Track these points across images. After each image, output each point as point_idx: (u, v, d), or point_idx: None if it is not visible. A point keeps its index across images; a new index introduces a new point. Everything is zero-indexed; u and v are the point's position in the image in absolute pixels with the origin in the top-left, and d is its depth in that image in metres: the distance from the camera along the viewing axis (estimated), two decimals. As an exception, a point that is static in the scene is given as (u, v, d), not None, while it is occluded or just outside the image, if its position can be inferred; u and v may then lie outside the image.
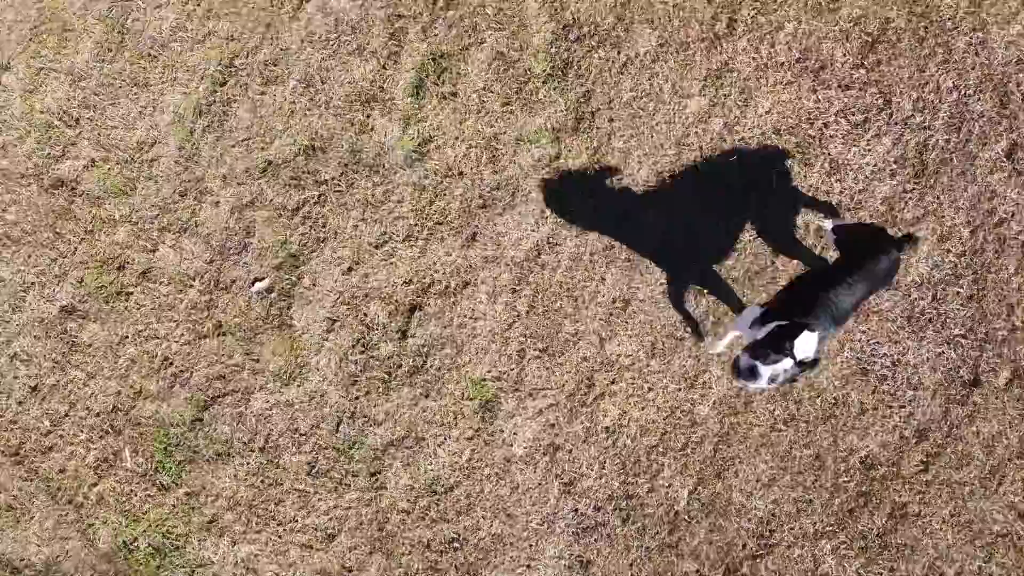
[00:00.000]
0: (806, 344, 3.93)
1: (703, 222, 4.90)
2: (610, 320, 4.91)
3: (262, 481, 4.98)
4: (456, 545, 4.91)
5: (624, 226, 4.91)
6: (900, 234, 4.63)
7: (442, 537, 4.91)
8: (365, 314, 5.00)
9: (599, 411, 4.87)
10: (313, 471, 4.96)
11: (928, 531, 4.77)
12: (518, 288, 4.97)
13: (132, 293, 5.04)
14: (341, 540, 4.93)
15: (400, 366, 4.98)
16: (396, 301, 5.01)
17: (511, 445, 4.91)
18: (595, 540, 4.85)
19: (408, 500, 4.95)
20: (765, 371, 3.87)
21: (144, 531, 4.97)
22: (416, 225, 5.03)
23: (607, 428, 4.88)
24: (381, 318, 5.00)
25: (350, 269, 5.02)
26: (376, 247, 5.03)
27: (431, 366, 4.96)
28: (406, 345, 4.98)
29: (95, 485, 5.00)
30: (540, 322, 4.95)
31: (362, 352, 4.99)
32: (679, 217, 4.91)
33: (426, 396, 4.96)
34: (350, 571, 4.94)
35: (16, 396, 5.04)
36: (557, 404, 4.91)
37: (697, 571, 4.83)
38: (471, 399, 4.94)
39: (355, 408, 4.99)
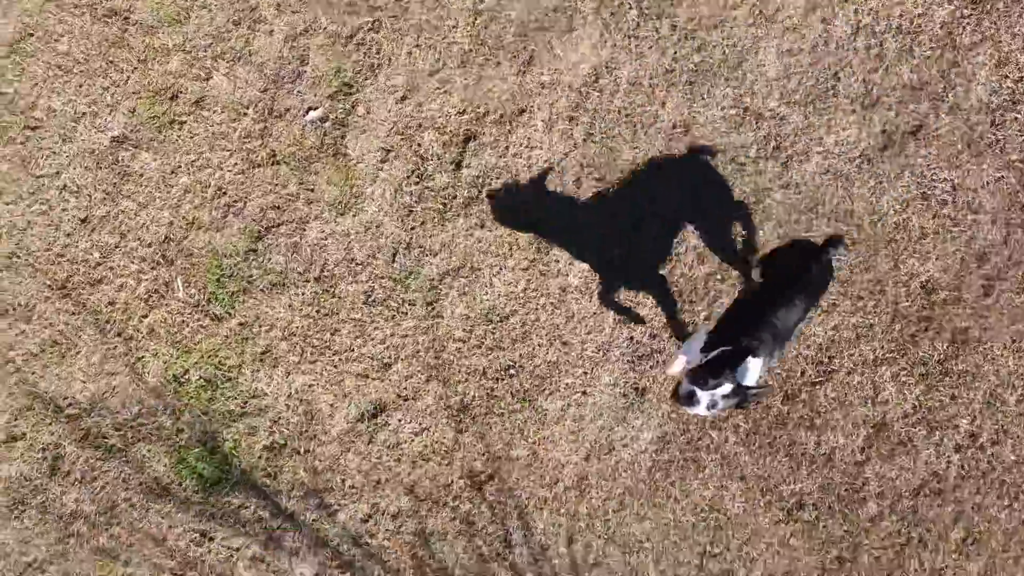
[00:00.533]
0: (749, 370, 3.89)
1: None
2: (669, 146, 4.88)
3: (317, 311, 4.95)
4: (512, 372, 4.89)
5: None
6: (824, 239, 4.45)
7: (498, 365, 4.88)
8: (419, 144, 4.91)
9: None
10: (369, 300, 4.91)
11: (989, 357, 4.73)
12: (575, 115, 4.91)
13: (185, 122, 4.96)
14: (397, 369, 4.91)
15: (455, 197, 4.91)
16: (450, 131, 4.92)
17: (567, 275, 4.89)
18: (650, 368, 4.83)
19: (464, 329, 4.92)
20: (704, 397, 3.80)
21: (196, 363, 4.94)
22: (471, 51, 4.93)
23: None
24: (435, 148, 4.91)
25: (404, 97, 4.93)
26: (430, 74, 4.93)
27: (486, 196, 4.93)
28: (461, 176, 4.91)
29: (145, 317, 4.96)
30: (597, 150, 4.94)
31: (417, 182, 4.92)
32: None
33: (481, 226, 4.91)
34: (406, 399, 4.92)
35: (65, 228, 4.97)
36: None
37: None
38: (527, 230, 4.93)
39: (410, 238, 4.92)
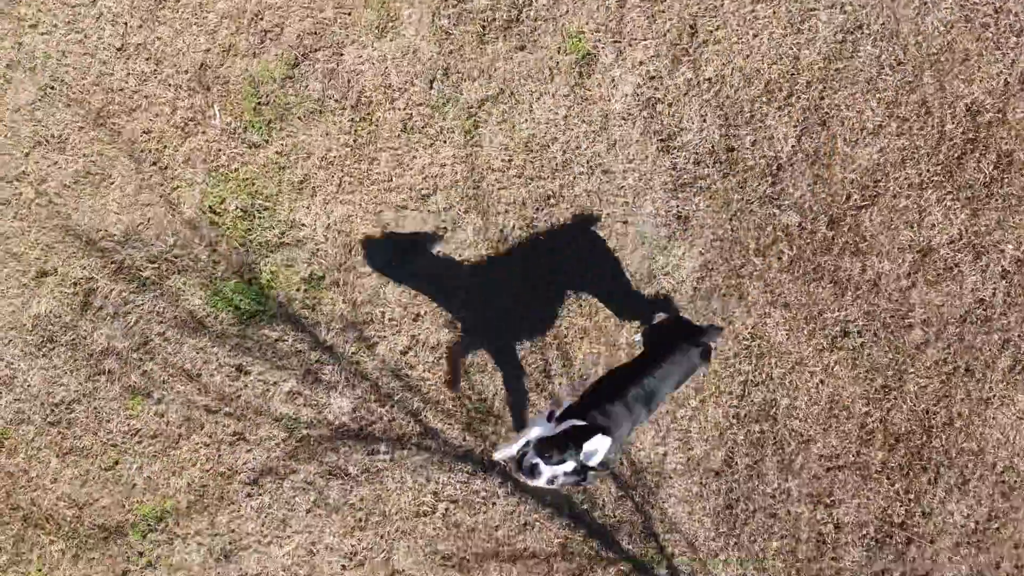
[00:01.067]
0: (597, 448, 3.79)
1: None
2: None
3: (355, 140, 4.85)
4: (552, 202, 4.83)
5: None
6: (705, 324, 4.45)
7: (537, 195, 4.82)
8: (458, -34, 4.88)
9: (702, 60, 4.74)
10: (407, 128, 4.85)
11: (1036, 179, 4.68)
12: (617, -64, 4.82)
13: (164, 10, 4.93)
14: (436, 199, 4.81)
15: (494, 19, 4.83)
16: None
17: (609, 100, 4.79)
18: (693, 195, 4.73)
19: (503, 159, 4.81)
20: (546, 471, 3.70)
21: (232, 192, 4.85)
22: None
23: (709, 79, 4.73)
24: (475, -30, 4.87)
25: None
26: None
27: (526, 17, 4.81)
28: None
29: (181, 145, 4.87)
30: None
31: (455, 4, 4.83)
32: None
33: (521, 49, 4.79)
34: (445, 231, 4.79)
35: (100, 57, 4.86)
36: (658, 54, 4.78)
37: (799, 224, 4.74)
38: (568, 53, 4.80)
39: (448, 64, 4.82)
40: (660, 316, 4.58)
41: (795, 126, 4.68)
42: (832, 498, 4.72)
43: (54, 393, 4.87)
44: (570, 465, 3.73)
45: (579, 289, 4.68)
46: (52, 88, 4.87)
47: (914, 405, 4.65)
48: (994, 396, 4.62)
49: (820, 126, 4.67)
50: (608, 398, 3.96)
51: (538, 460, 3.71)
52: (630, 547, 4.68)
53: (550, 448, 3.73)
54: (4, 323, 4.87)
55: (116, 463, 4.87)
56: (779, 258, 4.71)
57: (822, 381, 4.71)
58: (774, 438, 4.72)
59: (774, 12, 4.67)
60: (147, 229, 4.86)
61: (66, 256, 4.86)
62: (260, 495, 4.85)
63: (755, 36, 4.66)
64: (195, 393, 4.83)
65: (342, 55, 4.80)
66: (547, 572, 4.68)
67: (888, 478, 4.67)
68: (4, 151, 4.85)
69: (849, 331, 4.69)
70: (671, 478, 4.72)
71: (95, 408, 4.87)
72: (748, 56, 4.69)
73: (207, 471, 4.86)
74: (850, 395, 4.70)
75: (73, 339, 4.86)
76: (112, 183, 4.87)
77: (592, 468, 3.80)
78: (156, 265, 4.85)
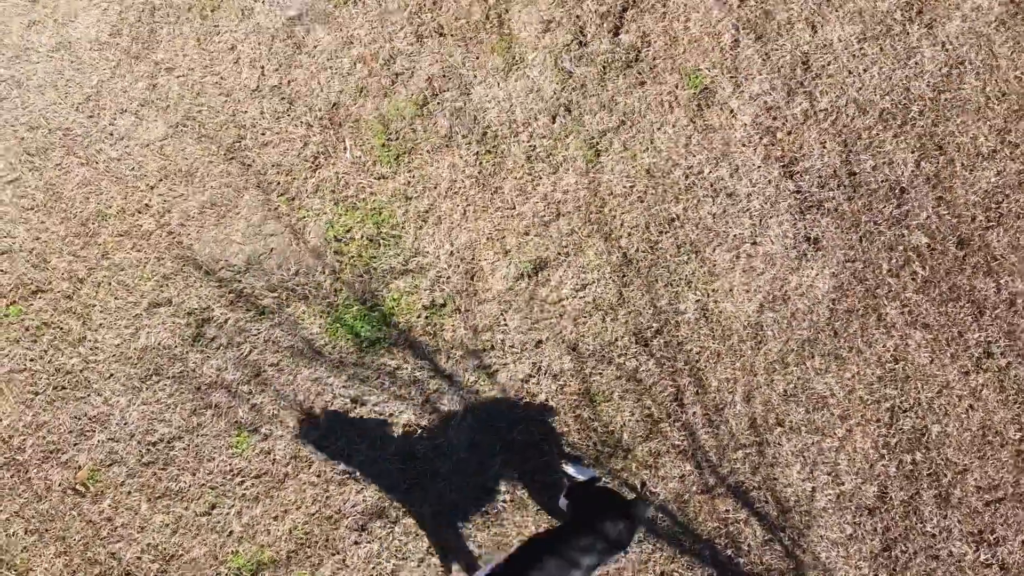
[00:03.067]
0: None
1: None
2: (821, 7, 4.98)
3: (480, 170, 4.83)
4: (676, 224, 4.72)
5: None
6: (631, 497, 4.32)
7: (661, 219, 4.72)
8: (579, 15, 5.06)
9: (816, 92, 4.78)
10: (530, 158, 4.84)
11: None
12: (729, -12, 5.07)
13: (359, 2, 5.15)
14: (558, 225, 4.71)
15: (614, 60, 4.96)
16: (610, 2, 5.03)
17: (729, 129, 4.82)
18: (820, 216, 4.63)
19: (625, 185, 4.79)
20: None
21: (359, 221, 4.76)
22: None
23: (825, 109, 4.78)
24: (594, 17, 5.06)
25: (566, -24, 5.15)
26: (589, -43, 5.20)
27: (645, 57, 4.96)
28: (619, 41, 4.98)
29: (311, 177, 4.85)
30: (753, 10, 4.97)
31: (578, 47, 5.01)
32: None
33: (641, 84, 4.90)
34: (567, 256, 4.70)
35: (235, 96, 4.94)
36: (773, 88, 4.83)
37: (928, 244, 4.61)
38: (686, 88, 4.89)
39: (570, 100, 4.86)
40: (578, 476, 4.24)
41: (913, 151, 4.68)
42: (995, 535, 4.26)
43: (153, 430, 4.54)
44: None
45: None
46: (184, 125, 4.94)
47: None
48: None
49: (937, 150, 4.67)
50: (538, 559, 3.66)
51: None
52: (781, 593, 4.18)
53: None
54: (107, 356, 4.64)
55: (213, 507, 4.45)
56: (913, 278, 4.54)
57: (971, 406, 4.39)
58: (929, 469, 4.35)
59: (881, 49, 4.85)
60: (269, 258, 4.76)
61: (183, 286, 4.71)
62: (369, 542, 4.41)
63: (865, 71, 4.79)
64: (307, 427, 4.51)
65: (469, 94, 4.93)
66: (689, 625, 4.14)
67: (1056, 511, 4.26)
68: (128, 183, 4.88)
69: (992, 352, 4.43)
70: (822, 517, 4.29)
71: (196, 446, 4.52)
72: (860, 88, 4.79)
73: (312, 515, 4.43)
74: (1001, 420, 4.37)
75: (181, 371, 4.60)
76: (238, 213, 4.82)
77: None
78: (276, 293, 4.70)
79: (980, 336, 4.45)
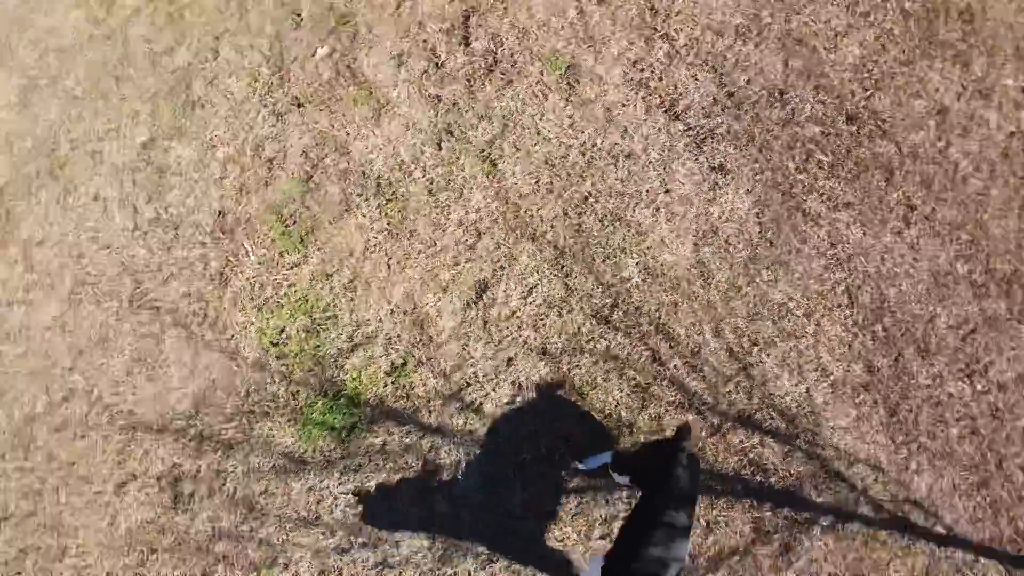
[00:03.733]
0: None
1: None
2: None
3: (388, 222, 4.72)
4: (591, 200, 4.75)
5: None
6: (673, 433, 4.22)
7: (575, 201, 4.73)
8: (425, 40, 4.99)
9: (671, 31, 4.90)
10: (432, 191, 4.80)
11: None
12: (550, -35, 5.11)
13: (206, 103, 4.92)
14: (483, 243, 4.67)
15: (475, 70, 4.92)
16: (451, 17, 5.05)
17: (605, 95, 4.91)
18: (717, 144, 4.75)
19: (530, 183, 4.77)
20: None
21: (289, 318, 4.63)
22: (438, -51, 5.18)
23: (684, 44, 4.89)
24: (441, 36, 4.99)
25: (398, 6, 5.04)
26: (410, -19, 5.15)
27: (502, 59, 4.97)
28: (473, 49, 4.95)
29: (224, 294, 4.65)
30: None
31: (436, 69, 4.97)
32: None
33: (509, 84, 4.89)
34: (503, 268, 4.69)
35: (117, 244, 4.69)
36: (631, 42, 4.94)
37: (821, 132, 4.75)
38: (551, 72, 4.92)
39: (448, 122, 4.88)
40: (594, 466, 4.24)
41: (777, 53, 4.82)
42: (982, 364, 4.47)
43: (168, 605, 4.32)
44: None
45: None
46: (77, 294, 4.68)
47: (1003, 243, 4.58)
48: (1071, 209, 4.62)
49: (798, 44, 4.81)
50: (635, 539, 3.61)
51: None
52: (822, 498, 4.28)
53: None
54: (96, 556, 4.35)
55: (257, 653, 4.27)
56: (820, 167, 4.71)
57: (915, 259, 4.58)
58: (900, 330, 4.53)
59: (712, -28, 5.01)
60: (215, 391, 4.54)
61: (141, 455, 4.46)
62: (421, 630, 4.29)
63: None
64: (321, 539, 4.36)
65: (349, 152, 4.82)
66: (754, 564, 4.21)
67: (1018, 321, 4.50)
68: (44, 374, 4.58)
69: (915, 204, 4.64)
70: (825, 411, 4.42)
71: (218, 600, 4.32)
72: (710, 14, 4.90)
73: (358, 621, 4.30)
74: (945, 260, 4.60)
75: (174, 540, 4.35)
76: (166, 359, 4.59)
77: None
78: (236, 422, 4.50)
79: (899, 195, 4.65)
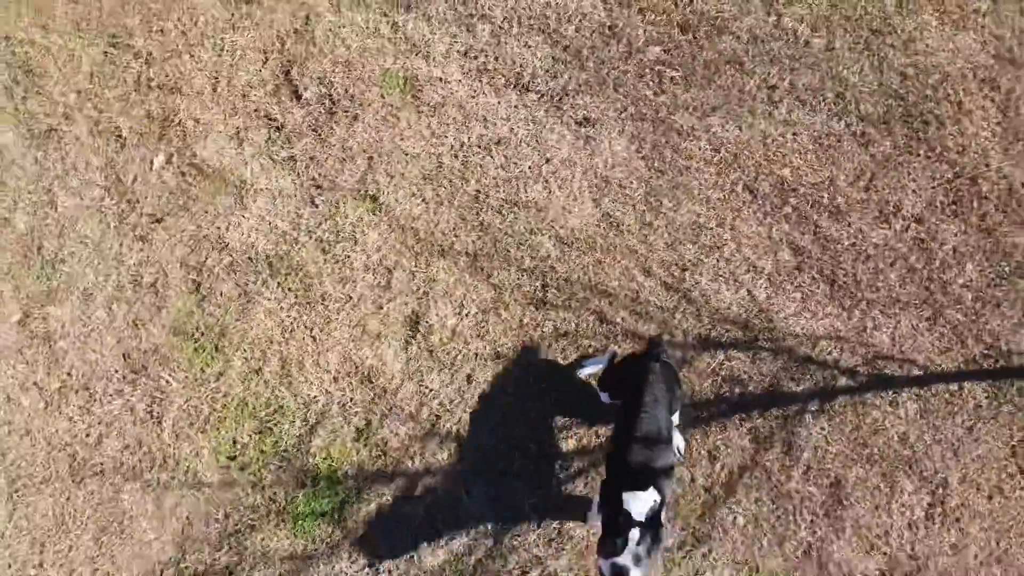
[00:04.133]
0: (648, 505, 3.59)
1: None
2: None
3: (295, 297, 4.53)
4: (482, 197, 4.70)
5: None
6: (646, 342, 4.34)
7: (466, 204, 4.63)
8: (255, 109, 4.80)
9: (488, 11, 4.82)
10: (326, 249, 4.65)
11: None
12: (350, -11, 5.01)
13: (66, 259, 4.64)
14: (398, 277, 4.55)
15: (318, 118, 4.78)
16: (271, 77, 4.84)
17: (451, 93, 4.80)
18: (573, 99, 4.70)
19: (417, 203, 4.67)
20: (627, 560, 3.47)
21: (235, 427, 4.44)
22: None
23: (505, 18, 4.81)
24: (270, 98, 4.83)
25: (215, 88, 4.83)
26: (220, 53, 4.91)
27: (339, 95, 4.80)
28: (307, 99, 4.81)
29: (161, 432, 4.41)
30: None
31: (278, 132, 4.79)
32: None
33: (356, 119, 4.77)
34: (426, 294, 4.57)
35: (35, 426, 4.40)
36: (455, 35, 4.83)
37: (663, 50, 4.76)
38: (391, 92, 4.81)
39: (313, 176, 4.70)
40: (600, 365, 4.31)
41: (594, -9, 4.91)
42: (891, 204, 4.58)
43: None
44: (635, 534, 3.47)
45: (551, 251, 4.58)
46: (17, 491, 4.36)
47: (865, 88, 4.74)
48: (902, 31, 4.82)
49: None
50: (624, 465, 3.72)
51: (611, 560, 3.46)
52: (801, 386, 4.36)
53: (607, 542, 3.51)
54: None
55: None
56: (675, 83, 4.75)
57: (794, 133, 4.67)
58: (806, 203, 4.63)
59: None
60: (191, 526, 4.33)
61: (141, 618, 4.26)
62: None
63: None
64: (355, 622, 4.22)
65: (227, 244, 4.61)
66: (765, 473, 4.26)
67: (907, 153, 4.67)
68: (14, 583, 4.30)
69: (774, 84, 4.70)
70: (772, 304, 4.46)
71: None
72: (516, -20, 4.96)
73: None
74: (822, 125, 4.69)
75: None
76: (131, 517, 4.32)
77: (653, 523, 3.53)
78: (225, 548, 4.29)
79: (755, 81, 4.74)
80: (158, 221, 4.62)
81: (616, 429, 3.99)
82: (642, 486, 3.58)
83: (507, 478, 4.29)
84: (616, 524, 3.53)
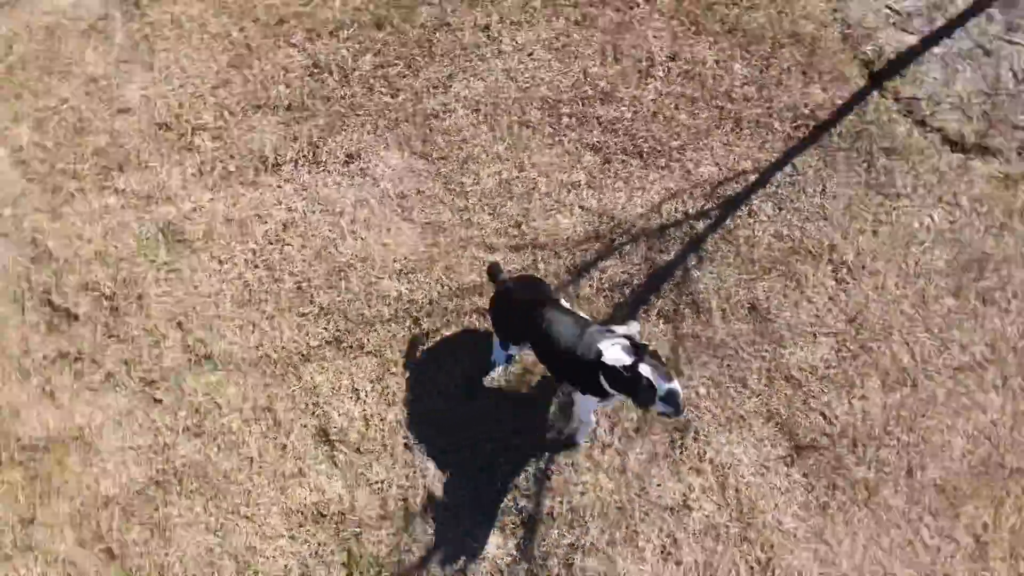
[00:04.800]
0: (616, 352, 3.66)
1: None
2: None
3: (200, 494, 4.14)
4: (304, 286, 4.41)
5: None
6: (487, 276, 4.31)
7: (294, 301, 4.36)
8: (44, 355, 4.36)
9: (194, 140, 4.66)
10: (198, 434, 4.25)
11: None
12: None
13: None
14: (280, 408, 4.22)
15: (106, 322, 4.36)
16: (39, 319, 4.35)
17: (208, 210, 4.48)
18: (323, 144, 4.55)
19: (249, 332, 4.35)
20: (673, 383, 3.56)
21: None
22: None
23: (211, 144, 4.75)
24: (52, 337, 4.40)
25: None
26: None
27: (112, 292, 4.44)
28: (85, 313, 4.34)
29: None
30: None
31: (79, 362, 4.33)
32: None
33: (140, 298, 4.37)
34: (315, 404, 4.24)
35: None
36: (182, 161, 4.62)
37: (373, 55, 4.73)
38: (155, 250, 4.45)
39: (139, 377, 4.26)
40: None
41: (276, 50, 4.72)
42: (644, 58, 4.71)
43: None
44: (647, 369, 3.53)
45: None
46: None
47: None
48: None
49: (275, 27, 4.77)
50: (580, 363, 3.74)
51: (671, 388, 3.52)
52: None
53: (645, 393, 3.53)
54: None
55: None
56: (402, 76, 4.67)
57: (528, 54, 4.73)
58: (578, 103, 4.67)
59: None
60: None
61: None
62: None
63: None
64: None
65: (108, 495, 4.09)
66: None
67: (632, 8, 4.82)
68: None
69: (485, 24, 4.77)
70: (616, 217, 4.54)
71: None
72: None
73: None
74: (546, 32, 4.77)
75: None
76: None
77: (644, 345, 3.64)
78: None
79: (469, 29, 4.76)
80: (30, 522, 4.10)
81: (550, 358, 3.95)
82: (605, 344, 3.62)
83: (505, 493, 4.16)
84: (629, 381, 3.53)
